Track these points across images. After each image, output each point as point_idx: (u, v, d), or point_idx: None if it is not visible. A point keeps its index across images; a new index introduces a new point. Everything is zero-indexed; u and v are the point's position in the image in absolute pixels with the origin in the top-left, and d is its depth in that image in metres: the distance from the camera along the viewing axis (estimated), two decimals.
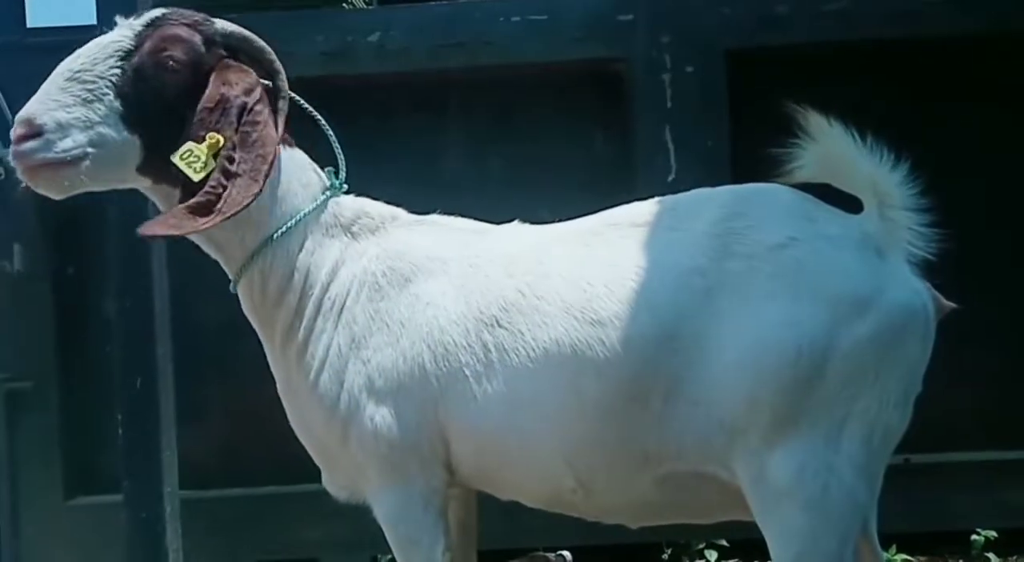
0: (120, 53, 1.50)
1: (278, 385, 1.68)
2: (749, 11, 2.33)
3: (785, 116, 2.33)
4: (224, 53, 1.55)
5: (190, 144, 1.46)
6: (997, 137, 2.33)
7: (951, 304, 1.42)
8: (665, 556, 2.60)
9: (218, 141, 1.46)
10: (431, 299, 1.54)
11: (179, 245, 2.02)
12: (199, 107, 1.48)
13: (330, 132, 1.75)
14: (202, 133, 1.46)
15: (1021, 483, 2.29)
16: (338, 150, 1.75)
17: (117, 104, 1.47)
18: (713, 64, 2.32)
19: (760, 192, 1.51)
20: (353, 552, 2.32)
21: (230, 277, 1.64)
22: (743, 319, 1.35)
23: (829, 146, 1.48)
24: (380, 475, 1.54)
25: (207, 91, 1.49)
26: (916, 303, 1.37)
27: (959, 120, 2.34)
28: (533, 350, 1.44)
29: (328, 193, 1.63)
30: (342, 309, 1.57)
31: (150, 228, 1.49)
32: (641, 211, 1.56)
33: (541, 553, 2.56)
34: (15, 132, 1.43)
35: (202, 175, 1.45)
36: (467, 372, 1.48)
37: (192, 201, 1.45)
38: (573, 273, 1.48)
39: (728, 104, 2.33)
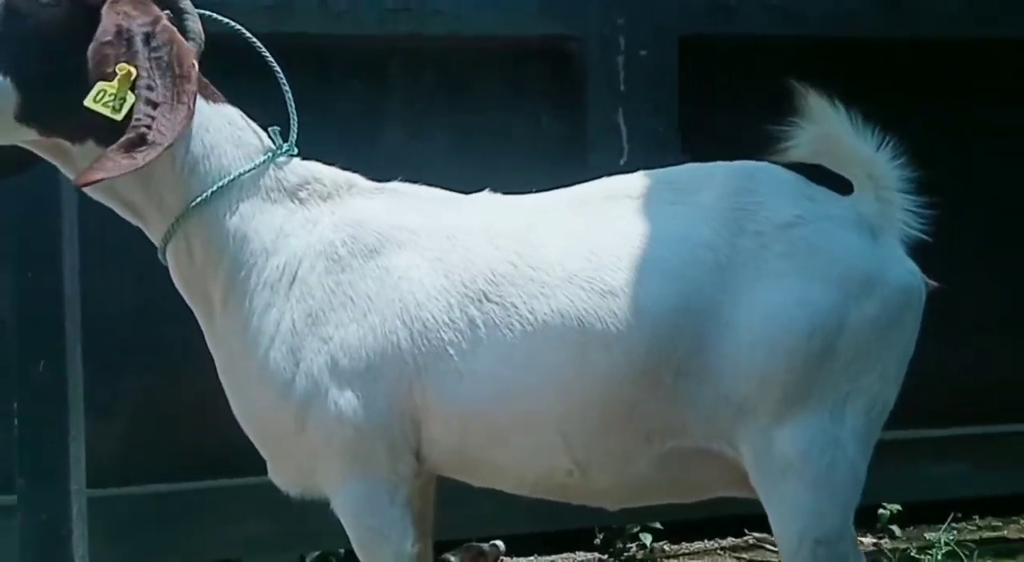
0: None
1: (217, 364, 1.50)
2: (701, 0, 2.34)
3: (730, 103, 2.41)
4: None
5: (100, 84, 1.30)
6: (939, 134, 2.43)
7: (935, 284, 1.45)
8: (597, 541, 2.57)
9: (130, 72, 1.31)
10: (403, 272, 1.42)
11: (90, 215, 1.79)
12: (96, 44, 1.32)
13: (285, 85, 1.57)
14: (108, 70, 1.31)
15: (923, 459, 2.45)
16: (291, 107, 1.58)
17: None
18: (666, 49, 2.31)
19: (762, 170, 1.48)
20: (279, 552, 2.12)
21: (156, 245, 1.46)
22: (756, 296, 1.33)
23: (826, 127, 1.47)
24: (342, 464, 1.40)
25: (101, 25, 1.33)
26: (914, 283, 1.40)
27: (895, 117, 2.44)
28: (530, 323, 1.35)
29: (268, 155, 1.48)
30: (293, 280, 1.41)
31: (86, 176, 1.29)
32: (632, 183, 1.51)
33: (475, 544, 2.47)
34: None
35: (124, 113, 1.30)
36: (451, 350, 1.37)
37: (122, 139, 1.29)
38: (572, 243, 1.40)
39: (678, 89, 2.33)
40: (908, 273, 1.40)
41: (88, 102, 1.30)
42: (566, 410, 1.35)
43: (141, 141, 1.30)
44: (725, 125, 2.39)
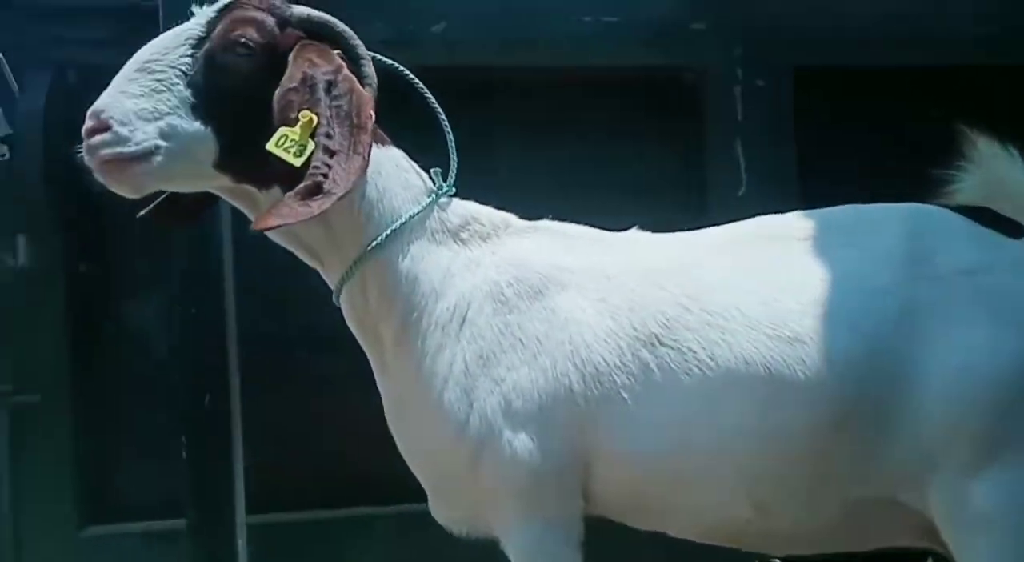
0: (191, 41, 1.40)
1: (386, 403, 1.54)
2: (817, 30, 2.35)
3: (847, 134, 2.43)
4: (301, 34, 1.43)
5: (283, 129, 1.34)
6: None
7: None
8: None
9: (312, 120, 1.35)
10: (569, 314, 1.44)
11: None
12: (282, 90, 1.37)
13: (446, 125, 1.62)
14: (292, 116, 1.35)
15: None
16: (452, 147, 1.62)
17: (187, 94, 1.36)
18: (783, 79, 2.33)
19: (934, 214, 1.49)
20: None
21: (331, 288, 1.51)
22: (944, 345, 1.34)
23: (995, 170, 1.48)
24: (516, 505, 1.43)
25: (288, 72, 1.38)
26: None
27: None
28: (711, 370, 1.36)
29: (432, 196, 1.51)
30: (463, 322, 1.44)
31: (264, 221, 1.33)
32: (794, 225, 1.52)
33: None
34: (85, 126, 1.33)
35: (302, 159, 1.34)
36: (624, 394, 1.39)
37: (299, 187, 1.33)
38: (745, 286, 1.41)
39: (794, 120, 2.35)
40: None
41: (271, 146, 1.34)
42: (749, 459, 1.35)
43: (317, 190, 1.33)
44: (842, 156, 2.41)
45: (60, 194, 2.10)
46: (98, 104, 1.34)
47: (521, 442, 1.38)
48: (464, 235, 1.52)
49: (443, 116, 1.63)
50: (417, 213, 1.47)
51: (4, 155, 2.05)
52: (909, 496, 1.36)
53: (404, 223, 1.46)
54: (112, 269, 2.17)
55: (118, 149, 1.32)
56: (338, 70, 1.40)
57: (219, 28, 1.41)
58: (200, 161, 1.39)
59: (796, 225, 1.49)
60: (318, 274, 1.55)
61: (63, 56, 2.07)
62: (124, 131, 1.32)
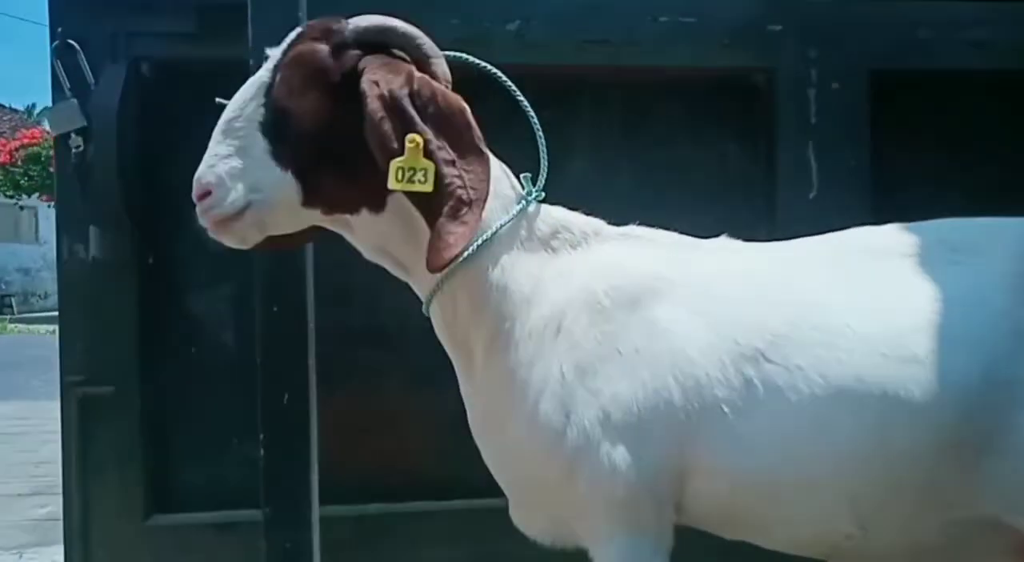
0: (263, 89, 1.42)
1: (472, 413, 1.54)
2: (892, 33, 2.31)
3: (921, 138, 2.39)
4: (360, 53, 1.40)
5: (395, 163, 1.31)
6: None
7: None
8: None
9: (418, 142, 1.31)
10: (668, 325, 1.43)
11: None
12: (370, 124, 1.33)
13: (538, 129, 1.61)
14: (395, 147, 1.31)
15: None
16: (543, 152, 1.60)
17: (265, 144, 1.41)
18: (857, 82, 2.29)
19: None
20: None
21: (421, 299, 1.52)
22: None
23: None
24: (608, 517, 1.42)
25: (367, 105, 1.33)
26: None
27: None
28: (822, 388, 1.34)
29: (523, 203, 1.50)
30: (558, 332, 1.43)
31: (440, 257, 1.33)
32: (898, 239, 1.50)
33: None
34: (193, 193, 1.44)
35: (430, 183, 1.31)
36: (726, 409, 1.37)
37: (446, 209, 1.32)
38: (854, 302, 1.39)
39: (869, 124, 2.31)
40: None
41: (392, 185, 1.31)
42: (857, 479, 1.34)
43: (461, 203, 1.31)
44: (916, 160, 2.37)
45: (132, 186, 2.10)
46: (198, 171, 1.43)
47: (619, 454, 1.36)
48: (554, 243, 1.50)
49: (534, 119, 1.62)
50: (506, 223, 1.46)
51: (78, 147, 2.05)
52: (1014, 518, 1.34)
53: (494, 233, 1.44)
54: (183, 262, 2.17)
55: (216, 211, 1.41)
56: (410, 78, 1.36)
57: (281, 71, 1.41)
58: (290, 205, 1.42)
59: (901, 239, 1.47)
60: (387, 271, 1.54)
61: (139, 50, 2.06)
62: (219, 193, 1.40)
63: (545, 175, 1.57)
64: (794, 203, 2.26)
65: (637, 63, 2.24)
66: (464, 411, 1.56)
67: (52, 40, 1.99)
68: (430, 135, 1.31)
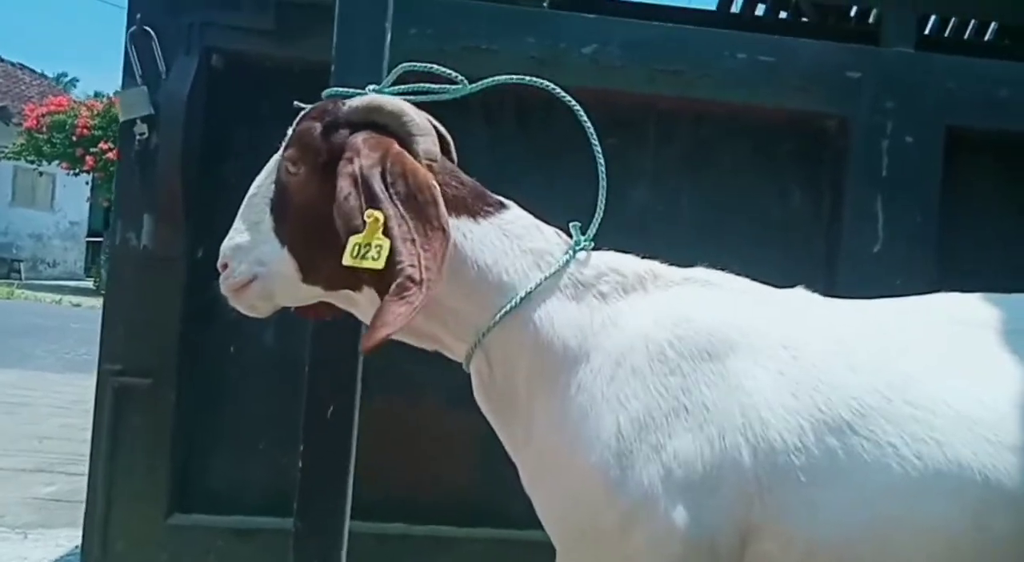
0: (276, 166, 1.47)
1: (521, 472, 1.48)
2: (972, 90, 2.26)
3: (992, 202, 2.33)
4: (348, 132, 1.40)
5: (352, 239, 1.29)
6: None
7: None
8: None
9: (377, 218, 1.29)
10: (741, 382, 1.35)
11: None
12: (336, 202, 1.32)
13: (602, 170, 1.56)
14: (356, 223, 1.30)
15: None
16: (602, 194, 1.55)
17: (270, 220, 1.45)
18: (932, 138, 2.24)
19: None
20: None
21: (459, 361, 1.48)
22: None
23: None
24: None
25: (338, 181, 1.33)
26: None
27: None
28: (916, 469, 1.27)
29: (565, 257, 1.45)
30: (613, 383, 1.36)
31: (372, 339, 1.29)
32: (990, 311, 1.43)
33: None
34: (218, 263, 1.51)
35: (382, 261, 1.27)
36: (803, 477, 1.30)
37: (392, 288, 1.27)
38: (953, 379, 1.33)
39: (940, 181, 2.25)
40: None
41: (347, 261, 1.29)
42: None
43: (411, 282, 1.27)
44: (985, 224, 2.32)
45: (192, 179, 2.07)
46: (223, 243, 1.50)
47: (680, 513, 1.30)
48: (604, 288, 1.43)
49: (601, 161, 1.56)
50: (538, 285, 1.40)
51: (143, 134, 2.02)
52: None
53: (528, 294, 1.39)
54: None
55: (229, 281, 1.49)
56: (385, 155, 1.34)
57: (285, 149, 1.45)
58: (291, 279, 1.45)
59: (992, 312, 1.41)
60: None
61: (213, 42, 2.03)
62: (233, 264, 1.48)
63: (599, 222, 1.52)
64: (857, 254, 2.21)
65: (710, 97, 2.20)
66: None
67: (129, 26, 1.97)
68: (391, 212, 1.29)
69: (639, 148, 2.30)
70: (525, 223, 1.47)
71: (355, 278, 1.37)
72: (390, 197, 1.31)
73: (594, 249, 1.51)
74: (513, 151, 2.24)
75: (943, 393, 1.32)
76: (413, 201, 1.31)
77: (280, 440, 2.02)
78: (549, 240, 1.47)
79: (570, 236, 1.50)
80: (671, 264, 1.52)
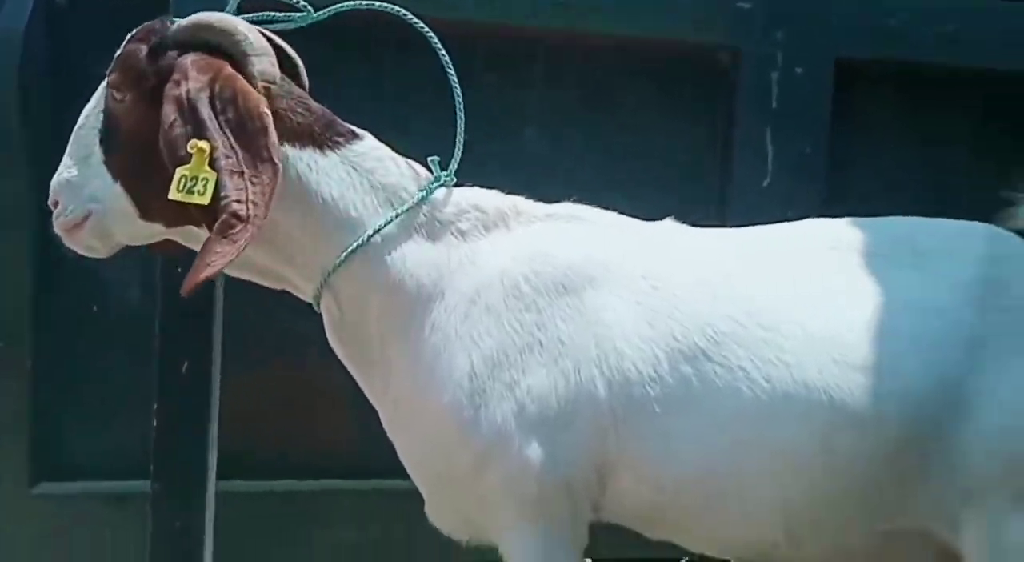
0: (103, 94, 1.38)
1: (382, 414, 1.45)
2: (862, 20, 2.21)
3: (884, 132, 2.30)
4: (177, 53, 1.31)
5: (178, 171, 1.22)
6: None
7: None
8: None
9: (203, 149, 1.21)
10: (598, 314, 1.34)
11: None
12: (162, 130, 1.24)
13: (459, 102, 1.48)
14: (182, 153, 1.22)
15: None
16: (460, 129, 1.48)
17: (100, 152, 1.35)
18: (822, 69, 2.19)
19: (1012, 240, 1.40)
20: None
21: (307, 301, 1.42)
22: (1006, 381, 1.26)
23: None
24: (519, 515, 1.35)
25: (163, 106, 1.25)
26: None
27: None
28: (765, 392, 1.27)
29: (420, 194, 1.38)
30: (467, 322, 1.34)
31: (192, 279, 1.22)
32: (860, 236, 1.41)
33: None
34: (48, 200, 1.43)
35: (208, 195, 1.20)
36: (657, 408, 1.30)
37: (217, 224, 1.20)
38: (807, 303, 1.32)
39: (831, 113, 2.21)
40: None
41: (173, 195, 1.21)
42: (793, 486, 1.28)
43: (236, 219, 1.20)
44: (876, 154, 2.29)
45: (37, 125, 1.90)
46: (52, 181, 1.41)
47: (533, 450, 1.28)
48: (463, 226, 1.39)
49: (459, 92, 1.48)
50: (387, 222, 1.34)
51: None
52: (941, 527, 1.30)
53: (374, 232, 1.33)
54: None
55: (62, 220, 1.40)
56: (214, 78, 1.25)
57: (110, 75, 1.36)
58: (127, 216, 1.36)
59: (858, 236, 1.39)
60: None
61: None
62: (63, 201, 1.39)
63: (459, 156, 1.45)
64: (746, 189, 2.17)
65: (596, 30, 2.11)
66: None
67: None
68: (219, 142, 1.21)
69: (524, 89, 2.19)
70: (379, 155, 1.40)
71: (191, 213, 1.28)
72: (219, 125, 1.22)
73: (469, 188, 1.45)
74: (396, 87, 2.12)
75: (796, 316, 1.31)
76: (243, 129, 1.23)
77: (149, 401, 1.90)
78: (404, 174, 1.40)
79: (430, 171, 1.42)
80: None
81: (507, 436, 1.28)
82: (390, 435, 1.43)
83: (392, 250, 1.34)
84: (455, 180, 1.44)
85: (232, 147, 1.22)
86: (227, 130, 1.23)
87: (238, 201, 1.20)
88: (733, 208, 2.15)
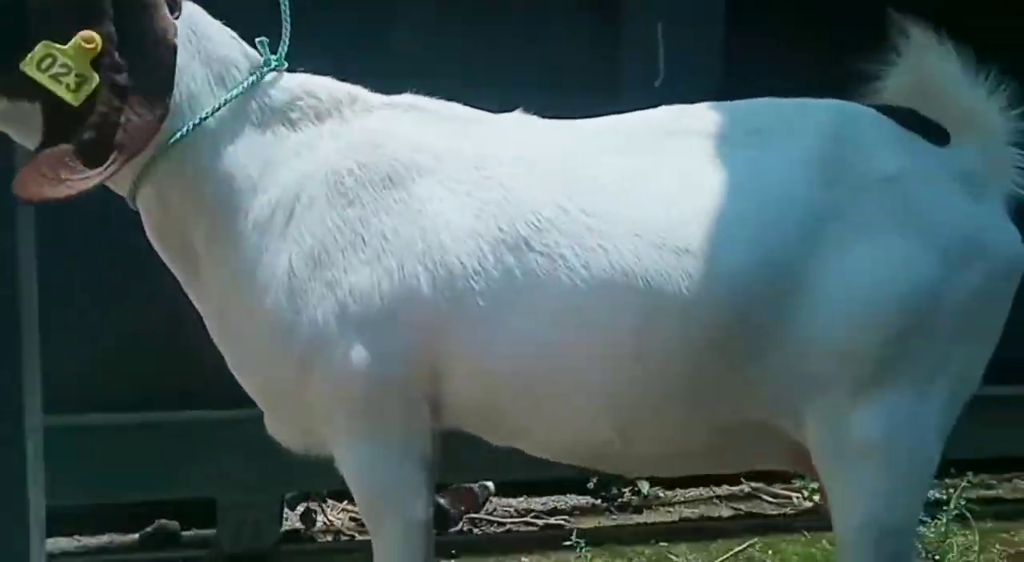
0: None
1: (207, 321, 1.32)
2: None
3: (778, 27, 2.16)
4: None
5: (47, 46, 1.04)
6: None
7: None
8: (590, 485, 2.47)
9: (94, 41, 1.05)
10: (424, 207, 1.22)
11: None
12: None
13: None
14: (61, 29, 1.05)
15: None
16: (285, 8, 1.32)
17: None
18: None
19: (860, 114, 1.27)
20: (255, 491, 1.95)
21: (123, 195, 1.25)
22: (846, 261, 1.15)
23: (928, 67, 1.25)
24: (349, 420, 1.25)
25: None
26: (1017, 247, 1.21)
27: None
28: (584, 280, 1.16)
29: (251, 76, 1.24)
30: (290, 218, 1.22)
31: (27, 187, 1.06)
32: (702, 118, 1.29)
33: (466, 485, 2.34)
34: None
35: (81, 97, 1.05)
36: (482, 301, 1.19)
37: (84, 138, 1.05)
38: (634, 187, 1.20)
39: (724, 10, 2.07)
40: (1011, 236, 1.22)
41: (29, 67, 1.04)
42: (618, 379, 1.18)
43: (110, 145, 1.06)
44: (771, 50, 2.14)
45: None
46: None
47: (357, 351, 1.19)
48: (293, 115, 1.25)
49: None
50: (215, 109, 1.19)
51: None
52: (785, 422, 1.20)
53: (203, 119, 1.19)
54: None
55: None
56: None
57: None
58: None
59: (703, 118, 1.26)
60: None
61: None
62: None
63: (287, 38, 1.29)
64: (638, 91, 2.03)
65: None
66: None
67: None
68: (111, 46, 1.06)
69: None
70: (209, 25, 1.23)
71: (30, 88, 1.09)
72: (115, 25, 1.07)
73: None
74: None
75: (621, 201, 1.19)
76: (143, 44, 1.08)
77: None
78: (235, 49, 1.25)
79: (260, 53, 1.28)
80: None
81: (329, 338, 1.19)
82: (218, 345, 1.32)
83: (222, 135, 1.21)
84: (285, 65, 1.30)
85: (125, 61, 1.07)
86: (122, 36, 1.08)
87: (119, 126, 1.06)
88: (626, 109, 2.02)
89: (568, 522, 2.32)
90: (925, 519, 2.15)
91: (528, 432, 1.31)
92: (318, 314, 1.19)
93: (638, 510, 2.43)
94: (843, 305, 1.13)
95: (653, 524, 2.31)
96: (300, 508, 2.20)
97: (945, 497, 2.14)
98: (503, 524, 2.30)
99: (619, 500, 2.46)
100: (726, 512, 2.45)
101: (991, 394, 2.31)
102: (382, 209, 1.22)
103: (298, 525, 2.18)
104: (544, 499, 2.49)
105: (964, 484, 2.24)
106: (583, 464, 1.34)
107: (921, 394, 1.16)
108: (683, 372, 1.16)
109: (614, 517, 2.38)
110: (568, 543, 1.97)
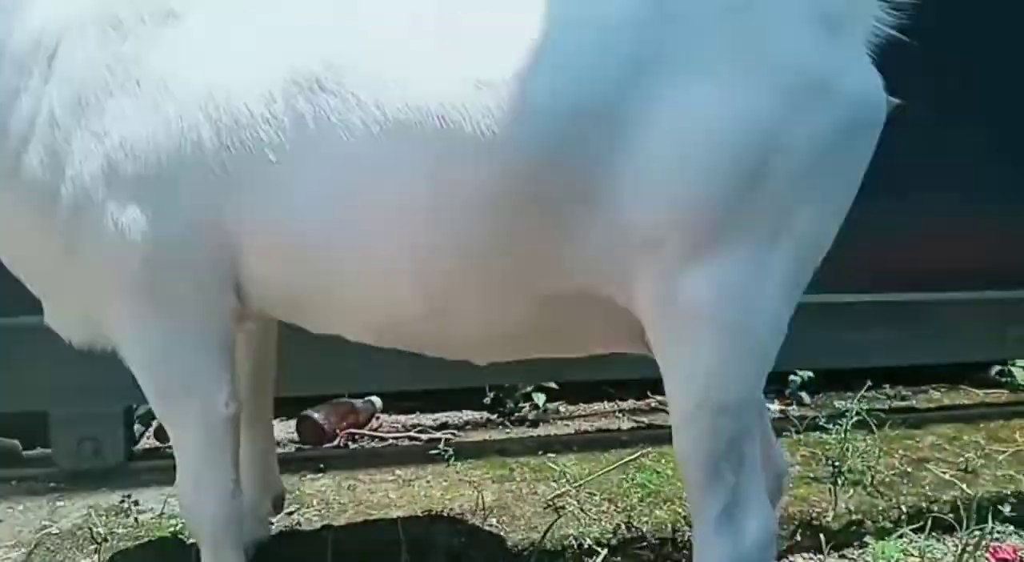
0: None
1: None
2: None
3: None
4: None
5: None
6: None
7: (898, 101, 1.12)
8: (486, 400, 2.34)
9: None
10: (205, 44, 1.06)
11: None
12: None
13: None
14: None
15: (843, 325, 2.19)
16: None
17: None
18: None
19: None
20: (92, 403, 1.77)
21: None
22: (675, 100, 0.98)
23: None
24: (135, 302, 1.10)
25: None
26: (875, 95, 1.06)
27: None
28: (377, 122, 1.00)
29: None
30: (52, 57, 1.07)
31: None
32: None
33: (345, 400, 2.20)
34: None
35: None
36: (271, 155, 1.04)
37: None
38: (442, 15, 1.04)
39: None
40: (869, 83, 1.06)
41: None
42: (418, 238, 1.03)
43: None
44: None
45: None
46: None
47: (130, 216, 1.04)
48: None
49: None
50: None
51: None
52: (613, 290, 1.06)
53: None
54: None
55: None
56: None
57: None
58: None
59: None
60: None
61: None
62: None
63: None
64: None
65: None
66: None
67: None
68: None
69: None
70: None
71: None
72: None
73: None
74: None
75: (416, 30, 1.03)
76: None
77: None
78: None
79: None
80: None
81: (96, 200, 1.04)
82: None
83: None
84: None
85: None
86: None
87: None
88: None
89: (456, 436, 2.19)
90: (827, 426, 2.08)
91: (338, 313, 1.17)
92: (84, 172, 1.04)
93: (534, 424, 2.32)
94: (664, 153, 0.97)
95: (546, 436, 2.20)
96: (156, 423, 2.05)
97: (851, 406, 2.05)
98: (385, 439, 2.17)
99: (516, 415, 2.34)
100: (627, 425, 2.35)
101: (906, 300, 2.27)
102: (161, 46, 1.05)
103: (156, 443, 2.03)
104: (437, 415, 2.36)
105: (863, 392, 2.15)
106: (407, 347, 1.19)
107: (759, 259, 1.02)
108: (489, 228, 1.01)
109: (507, 431, 2.26)
110: (435, 452, 1.85)
